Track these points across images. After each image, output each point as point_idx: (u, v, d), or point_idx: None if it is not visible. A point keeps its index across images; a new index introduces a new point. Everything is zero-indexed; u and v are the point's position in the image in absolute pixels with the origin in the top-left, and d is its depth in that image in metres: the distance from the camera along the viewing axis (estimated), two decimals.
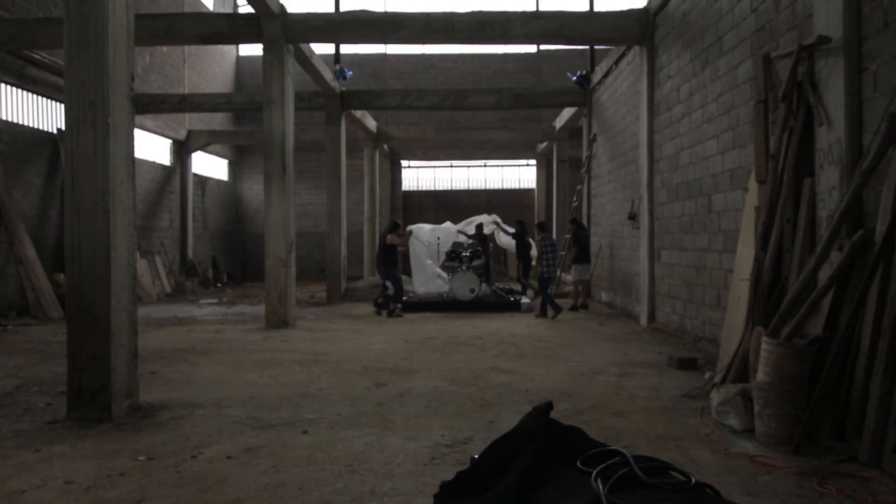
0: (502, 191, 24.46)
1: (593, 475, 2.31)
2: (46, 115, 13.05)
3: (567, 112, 16.96)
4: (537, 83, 22.13)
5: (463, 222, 15.94)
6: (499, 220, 16.09)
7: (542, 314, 11.09)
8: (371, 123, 18.59)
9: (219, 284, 19.80)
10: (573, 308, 12.08)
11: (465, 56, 23.33)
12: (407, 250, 13.96)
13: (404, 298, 12.40)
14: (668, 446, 4.13)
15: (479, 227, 15.02)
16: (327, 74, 13.53)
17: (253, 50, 23.00)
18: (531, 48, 23.07)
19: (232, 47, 23.20)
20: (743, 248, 5.97)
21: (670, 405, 5.17)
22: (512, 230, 14.70)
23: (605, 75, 13.12)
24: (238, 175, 24.22)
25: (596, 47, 15.15)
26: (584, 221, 14.71)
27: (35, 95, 12.71)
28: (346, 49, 19.23)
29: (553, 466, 2.50)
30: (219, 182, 22.58)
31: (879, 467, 3.64)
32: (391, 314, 11.45)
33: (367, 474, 3.66)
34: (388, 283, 11.85)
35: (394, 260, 12.14)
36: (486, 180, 24.67)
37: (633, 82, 11.01)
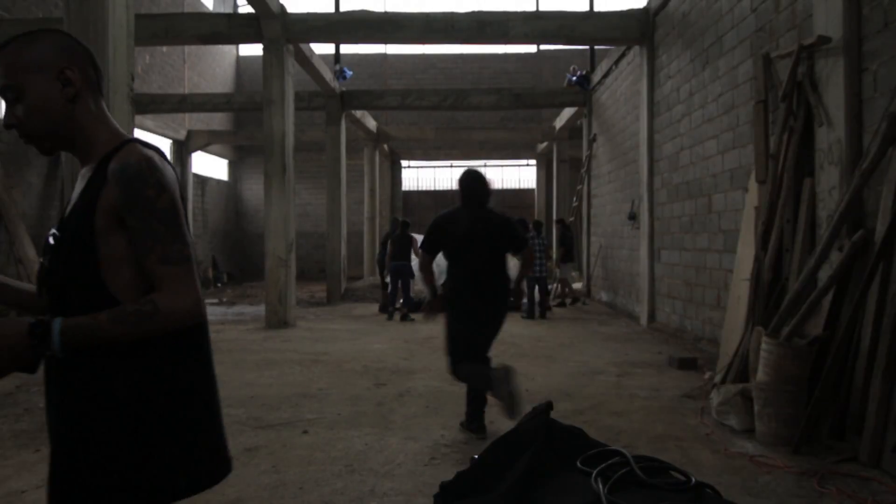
0: (502, 191, 24.44)
1: (593, 475, 2.31)
2: None
3: (567, 112, 16.97)
4: (537, 83, 22.13)
5: None
6: None
7: (531, 315, 11.06)
8: (371, 123, 18.58)
9: (219, 284, 19.81)
10: (561, 304, 12.74)
11: (465, 56, 23.32)
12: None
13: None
14: (668, 446, 4.13)
15: None
16: (327, 74, 13.52)
17: (253, 50, 23.00)
18: (531, 48, 23.07)
19: (232, 47, 23.19)
20: (743, 248, 5.97)
21: (670, 405, 5.17)
22: None
23: (605, 75, 13.12)
24: (238, 175, 24.23)
25: (596, 47, 15.15)
26: (584, 221, 14.77)
27: None
28: (346, 49, 19.22)
29: (553, 466, 2.50)
30: (219, 182, 22.59)
31: (879, 467, 3.64)
32: (405, 318, 10.79)
33: (367, 474, 3.66)
34: (409, 281, 11.06)
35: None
36: None
37: (633, 82, 11.01)
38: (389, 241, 11.52)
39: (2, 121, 1.37)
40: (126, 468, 1.44)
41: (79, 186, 1.50)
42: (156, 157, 1.47)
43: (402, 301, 11.16)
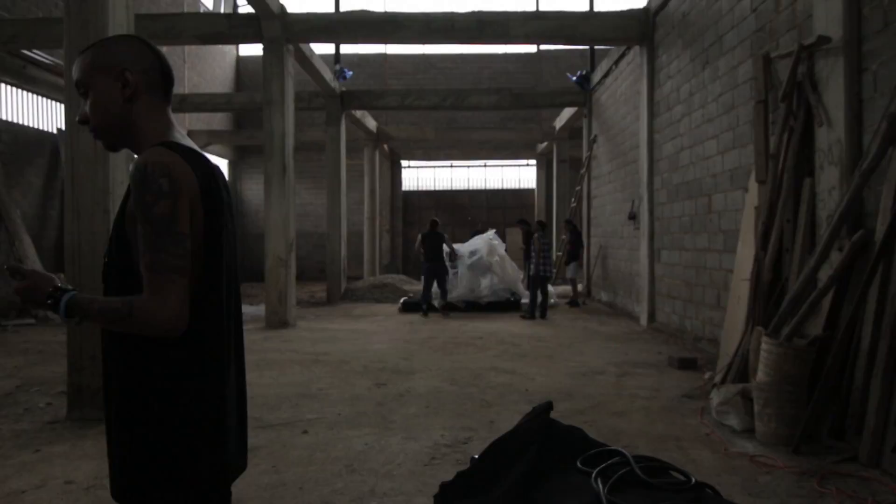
0: (502, 191, 24.44)
1: (593, 475, 2.31)
2: (46, 115, 13.05)
3: (567, 112, 16.96)
4: (537, 83, 22.11)
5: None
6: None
7: (531, 315, 11.03)
8: (371, 123, 18.58)
9: None
10: (573, 303, 12.86)
11: (465, 56, 23.30)
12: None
13: (405, 299, 12.59)
14: (668, 446, 4.13)
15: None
16: (327, 74, 13.52)
17: (253, 50, 22.98)
18: (531, 48, 23.05)
19: (232, 47, 23.17)
20: (743, 248, 5.97)
21: (670, 405, 5.17)
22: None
23: (605, 75, 13.11)
24: (238, 175, 24.21)
25: (596, 47, 15.14)
26: (584, 222, 14.77)
27: (35, 95, 12.71)
28: (346, 49, 19.22)
29: (553, 466, 2.50)
30: None
31: (879, 467, 3.64)
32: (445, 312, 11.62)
33: (367, 474, 3.66)
34: (445, 278, 11.83)
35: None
36: (486, 180, 24.65)
37: (633, 82, 11.01)
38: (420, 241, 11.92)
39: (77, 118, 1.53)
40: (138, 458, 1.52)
41: None
42: (171, 162, 1.45)
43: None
